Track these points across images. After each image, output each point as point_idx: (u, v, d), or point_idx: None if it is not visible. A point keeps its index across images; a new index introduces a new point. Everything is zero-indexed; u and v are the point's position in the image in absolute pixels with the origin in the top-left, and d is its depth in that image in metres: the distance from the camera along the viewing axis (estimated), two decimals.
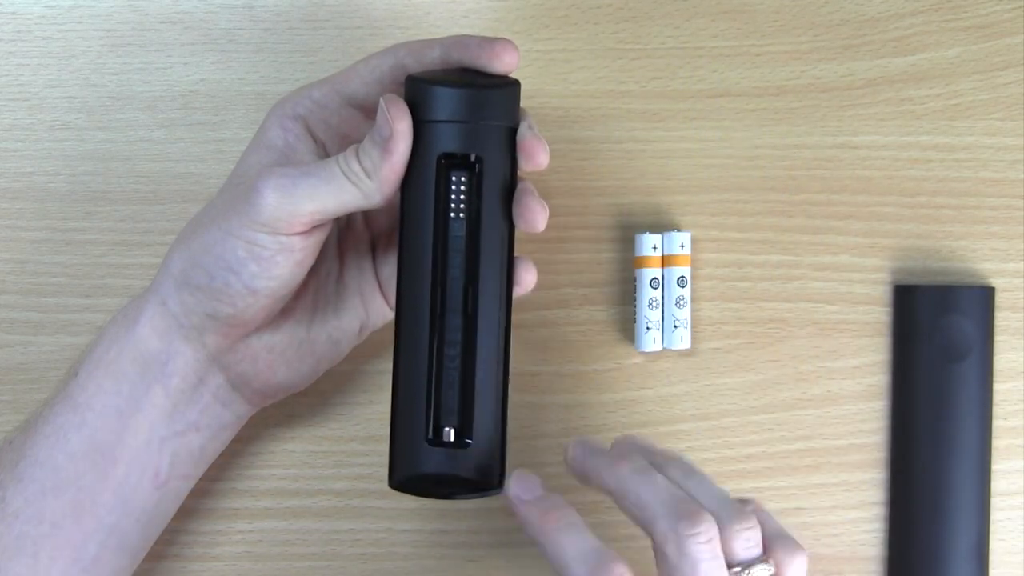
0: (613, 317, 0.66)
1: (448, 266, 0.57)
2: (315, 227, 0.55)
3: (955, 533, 0.65)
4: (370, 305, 0.62)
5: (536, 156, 0.56)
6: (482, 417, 0.57)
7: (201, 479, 0.62)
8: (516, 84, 0.56)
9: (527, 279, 0.59)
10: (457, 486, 0.57)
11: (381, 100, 0.55)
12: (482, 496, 0.57)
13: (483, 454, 0.57)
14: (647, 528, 0.53)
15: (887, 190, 0.66)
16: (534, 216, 0.56)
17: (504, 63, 0.56)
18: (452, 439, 0.57)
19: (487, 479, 0.57)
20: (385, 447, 0.66)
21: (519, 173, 0.57)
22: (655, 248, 0.65)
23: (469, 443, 0.56)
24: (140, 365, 0.57)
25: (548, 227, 0.61)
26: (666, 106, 0.66)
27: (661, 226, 0.66)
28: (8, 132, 0.66)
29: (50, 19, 0.66)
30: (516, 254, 0.58)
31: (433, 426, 0.57)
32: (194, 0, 0.66)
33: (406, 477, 0.57)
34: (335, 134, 0.59)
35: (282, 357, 0.59)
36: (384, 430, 0.66)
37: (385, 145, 0.54)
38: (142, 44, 0.66)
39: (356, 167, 0.55)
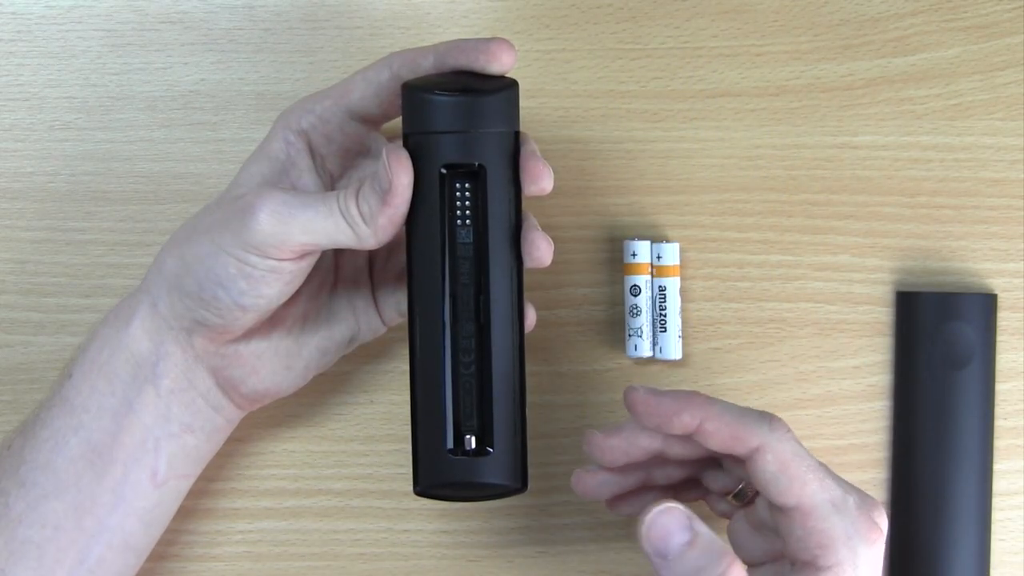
0: (613, 317, 0.66)
1: (458, 274, 0.57)
2: (306, 254, 0.56)
3: (956, 535, 0.65)
4: (362, 318, 0.62)
5: (540, 180, 0.56)
6: (501, 422, 0.57)
7: (200, 479, 0.62)
8: (514, 85, 0.56)
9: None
10: (481, 490, 0.57)
11: (383, 150, 0.55)
12: (506, 497, 0.57)
13: (505, 458, 0.57)
14: (747, 437, 0.54)
15: (887, 190, 0.66)
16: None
17: (502, 63, 0.55)
18: (473, 447, 0.57)
19: (511, 482, 0.57)
20: (385, 447, 0.66)
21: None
22: (634, 255, 0.65)
23: (490, 451, 0.56)
24: (132, 366, 0.58)
25: (548, 227, 0.61)
26: (666, 106, 0.66)
27: (660, 226, 0.66)
28: (8, 132, 0.66)
29: (50, 19, 0.66)
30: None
31: (453, 435, 0.57)
32: (194, 0, 0.66)
33: (430, 485, 0.57)
34: (337, 148, 0.59)
35: (270, 363, 0.59)
36: (384, 430, 0.66)
37: (384, 197, 0.54)
38: (142, 44, 0.66)
39: (354, 211, 0.55)
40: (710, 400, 0.55)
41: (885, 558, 0.55)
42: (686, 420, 0.55)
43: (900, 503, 0.66)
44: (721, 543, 0.52)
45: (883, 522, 0.55)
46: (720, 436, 0.54)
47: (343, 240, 0.55)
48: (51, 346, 0.66)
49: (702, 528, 0.52)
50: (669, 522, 0.52)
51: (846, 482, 0.55)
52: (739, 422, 0.54)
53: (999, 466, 0.66)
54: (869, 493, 0.56)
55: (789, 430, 0.55)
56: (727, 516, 0.60)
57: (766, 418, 0.55)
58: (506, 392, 0.57)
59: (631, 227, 0.66)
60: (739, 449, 0.54)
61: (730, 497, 0.59)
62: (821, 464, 0.55)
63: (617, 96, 0.66)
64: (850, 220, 0.66)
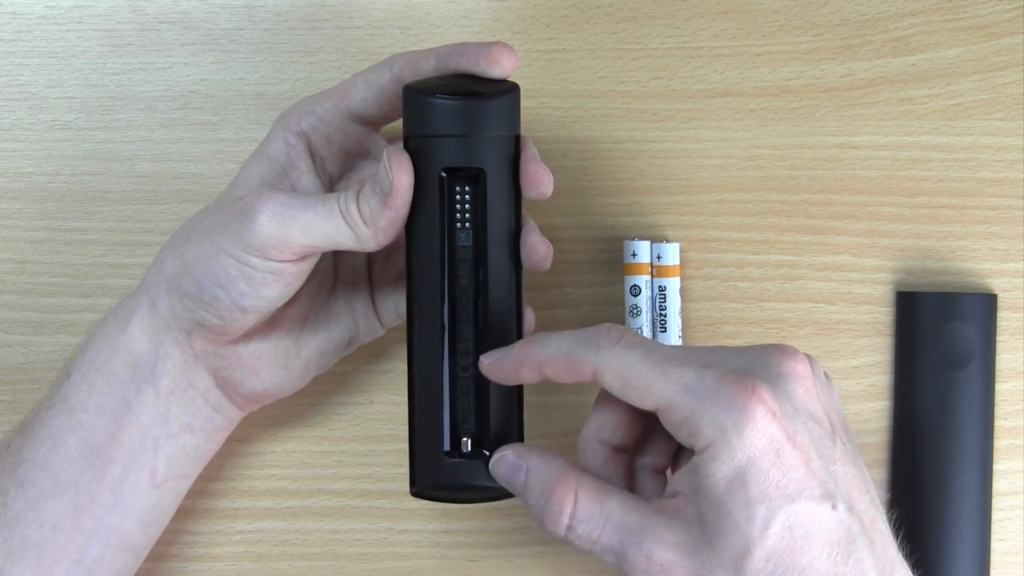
0: (613, 317, 0.66)
1: (457, 276, 0.57)
2: (306, 255, 0.56)
3: (956, 535, 0.65)
4: (361, 320, 0.62)
5: (540, 184, 0.56)
6: (498, 425, 0.57)
7: (200, 479, 0.62)
8: (516, 89, 0.56)
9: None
10: (478, 493, 0.57)
11: (384, 152, 0.55)
12: (503, 499, 0.57)
13: None
14: (580, 368, 0.53)
15: (887, 190, 0.66)
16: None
17: (503, 67, 0.55)
18: (470, 449, 0.57)
19: None
20: (385, 447, 0.66)
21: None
22: (634, 255, 0.65)
23: (487, 454, 0.56)
24: (130, 366, 0.58)
25: (548, 227, 0.61)
26: (666, 106, 0.66)
27: (660, 226, 0.66)
28: (8, 132, 0.66)
29: (50, 19, 0.66)
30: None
31: (451, 438, 0.57)
32: (194, 0, 0.66)
33: (426, 487, 0.57)
34: (337, 150, 0.59)
35: (269, 364, 0.59)
36: (384, 430, 0.66)
37: (384, 199, 0.54)
38: (142, 44, 0.66)
39: (355, 212, 0.55)
40: (543, 346, 0.54)
41: None
42: (527, 375, 0.54)
43: (900, 503, 0.66)
44: (552, 469, 0.53)
45: (768, 375, 0.51)
46: (561, 378, 0.54)
47: (343, 241, 0.55)
48: (51, 346, 0.66)
49: (533, 462, 0.54)
50: (504, 470, 0.55)
51: (723, 351, 0.53)
52: (569, 358, 0.53)
53: (999, 466, 0.66)
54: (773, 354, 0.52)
55: (621, 338, 0.53)
56: None
57: (594, 339, 0.53)
58: (504, 395, 0.57)
59: (631, 227, 0.66)
60: (583, 380, 0.53)
61: None
62: (670, 352, 0.52)
63: (617, 96, 0.66)
64: (850, 220, 0.66)
